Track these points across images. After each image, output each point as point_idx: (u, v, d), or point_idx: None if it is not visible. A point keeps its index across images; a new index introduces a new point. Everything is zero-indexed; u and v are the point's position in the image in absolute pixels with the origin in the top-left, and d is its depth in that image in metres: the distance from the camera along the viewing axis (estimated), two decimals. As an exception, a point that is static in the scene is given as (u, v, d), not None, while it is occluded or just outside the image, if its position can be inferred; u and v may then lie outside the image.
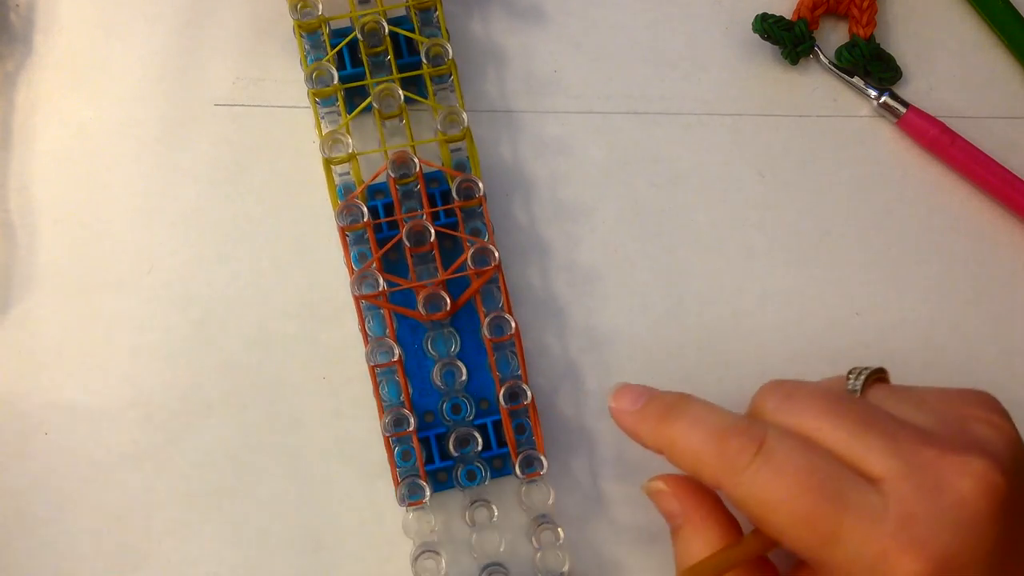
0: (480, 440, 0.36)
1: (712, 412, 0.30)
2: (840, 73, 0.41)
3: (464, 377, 0.36)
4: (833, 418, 0.28)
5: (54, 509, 0.37)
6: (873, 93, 0.41)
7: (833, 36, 0.42)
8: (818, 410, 0.29)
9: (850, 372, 0.32)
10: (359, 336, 0.37)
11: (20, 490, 0.37)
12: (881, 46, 0.41)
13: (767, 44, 0.41)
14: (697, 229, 0.40)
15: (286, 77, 0.40)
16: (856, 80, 0.41)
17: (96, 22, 0.41)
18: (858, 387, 0.31)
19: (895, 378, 0.39)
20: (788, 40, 0.41)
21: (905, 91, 0.41)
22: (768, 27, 0.40)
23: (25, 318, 0.38)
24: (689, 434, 0.29)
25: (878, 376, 0.32)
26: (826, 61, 0.41)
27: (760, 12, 0.41)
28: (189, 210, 0.39)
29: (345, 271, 0.37)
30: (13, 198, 0.39)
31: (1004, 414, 0.30)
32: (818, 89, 0.41)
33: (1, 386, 0.38)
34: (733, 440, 0.28)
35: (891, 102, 0.41)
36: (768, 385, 0.31)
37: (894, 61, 0.41)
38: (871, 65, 0.41)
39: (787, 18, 0.41)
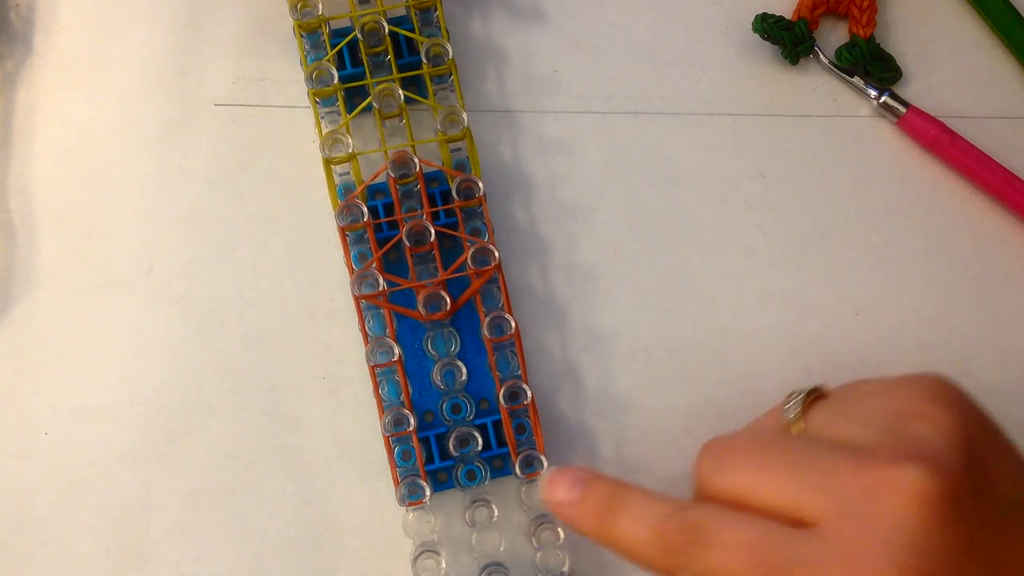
0: (480, 440, 0.36)
1: (648, 504, 0.30)
2: (840, 73, 0.41)
3: (464, 377, 0.36)
4: (764, 471, 0.28)
5: (54, 509, 0.37)
6: (873, 93, 0.41)
7: (833, 36, 0.42)
8: (750, 465, 0.29)
9: (788, 397, 0.31)
10: (359, 336, 0.37)
11: (20, 490, 0.37)
12: (881, 46, 0.41)
13: (767, 44, 0.41)
14: (697, 229, 0.40)
15: (286, 77, 0.40)
16: (856, 80, 0.41)
17: (96, 22, 0.41)
18: (793, 415, 0.31)
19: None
20: (788, 40, 0.41)
21: (905, 91, 0.41)
22: (768, 27, 0.40)
23: (25, 318, 0.38)
24: (629, 533, 0.30)
25: (816, 395, 0.31)
26: (826, 61, 0.41)
27: (760, 12, 0.41)
28: (189, 210, 0.39)
29: (345, 271, 0.37)
30: (13, 198, 0.39)
31: (946, 401, 0.29)
32: (818, 89, 0.41)
33: (1, 386, 0.38)
34: (671, 535, 0.29)
35: (891, 102, 0.41)
36: (704, 446, 0.31)
37: (894, 61, 0.41)
38: (871, 65, 0.41)
39: (787, 18, 0.41)
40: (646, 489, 0.30)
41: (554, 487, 0.32)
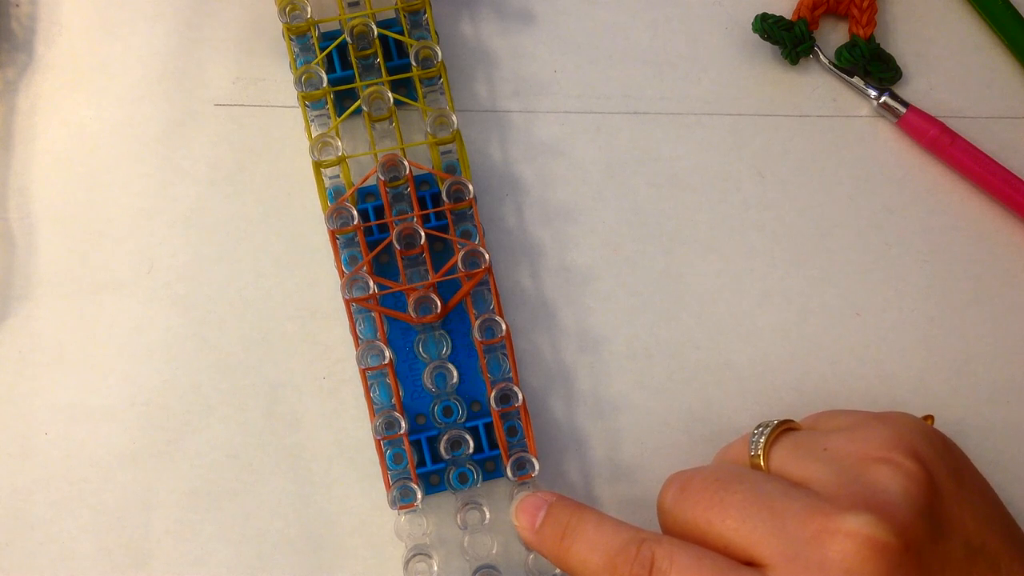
0: (472, 443, 0.35)
1: (604, 533, 0.30)
2: (840, 73, 0.41)
3: (455, 379, 0.36)
4: (720, 508, 0.29)
5: (54, 509, 0.37)
6: (873, 93, 0.41)
7: (833, 36, 0.42)
8: (706, 502, 0.29)
9: (756, 428, 0.31)
10: (359, 336, 0.37)
11: (20, 490, 0.37)
12: (881, 46, 0.41)
13: (767, 44, 0.41)
14: (696, 229, 0.40)
15: (286, 77, 0.40)
16: (856, 80, 0.41)
17: (96, 23, 0.41)
18: (759, 450, 0.31)
19: (895, 378, 0.39)
20: (788, 40, 0.41)
21: (905, 91, 0.41)
22: (768, 27, 0.40)
23: (25, 318, 0.38)
24: (583, 560, 0.30)
25: (784, 427, 0.31)
26: (826, 61, 0.41)
27: (760, 12, 0.41)
28: (189, 210, 0.39)
29: (345, 271, 0.37)
30: (13, 198, 0.39)
31: (910, 446, 0.29)
32: (818, 89, 0.41)
33: (1, 386, 0.38)
34: (622, 567, 0.29)
35: (891, 102, 0.41)
36: (668, 479, 0.31)
37: (894, 61, 0.41)
38: (871, 65, 0.41)
39: (787, 18, 0.41)
40: (605, 516, 0.31)
41: (520, 512, 0.32)
